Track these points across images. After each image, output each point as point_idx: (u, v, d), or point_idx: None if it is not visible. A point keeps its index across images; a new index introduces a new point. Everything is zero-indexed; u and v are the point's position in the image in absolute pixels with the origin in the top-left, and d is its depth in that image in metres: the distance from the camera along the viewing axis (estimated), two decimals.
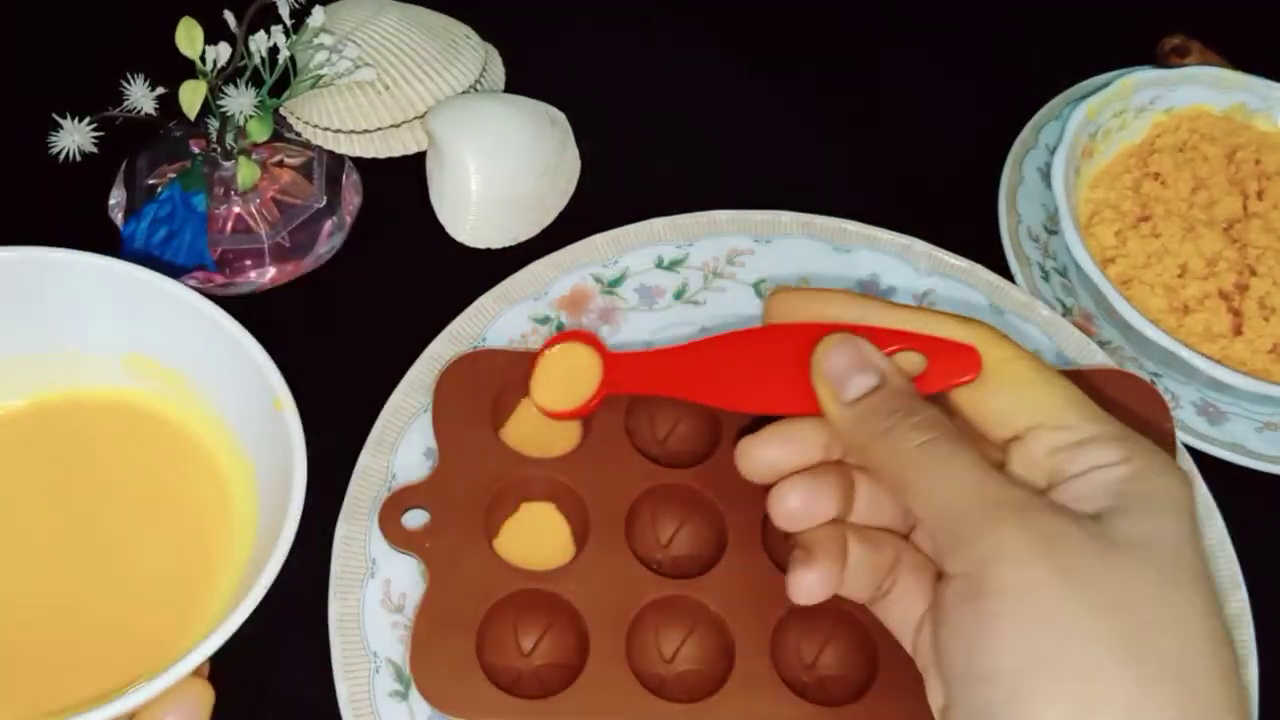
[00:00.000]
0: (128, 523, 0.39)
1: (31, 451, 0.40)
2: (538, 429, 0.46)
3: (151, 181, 0.53)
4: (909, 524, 0.39)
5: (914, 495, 0.35)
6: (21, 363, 0.40)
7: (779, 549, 0.44)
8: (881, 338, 0.37)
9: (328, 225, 0.54)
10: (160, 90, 0.50)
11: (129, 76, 0.49)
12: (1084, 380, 0.47)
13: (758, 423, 0.40)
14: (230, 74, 0.49)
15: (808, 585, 0.36)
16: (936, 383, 0.37)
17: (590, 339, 0.46)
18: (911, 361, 0.37)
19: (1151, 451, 0.34)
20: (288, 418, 0.37)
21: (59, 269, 0.38)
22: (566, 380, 0.45)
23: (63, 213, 0.55)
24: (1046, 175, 0.58)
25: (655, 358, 0.44)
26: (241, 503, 0.39)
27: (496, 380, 0.47)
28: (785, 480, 0.38)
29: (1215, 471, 0.49)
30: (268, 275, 0.53)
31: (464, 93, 0.57)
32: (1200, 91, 0.58)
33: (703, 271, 0.53)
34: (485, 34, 0.61)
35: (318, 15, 0.51)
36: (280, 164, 0.55)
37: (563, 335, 0.46)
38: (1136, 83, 0.57)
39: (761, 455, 0.38)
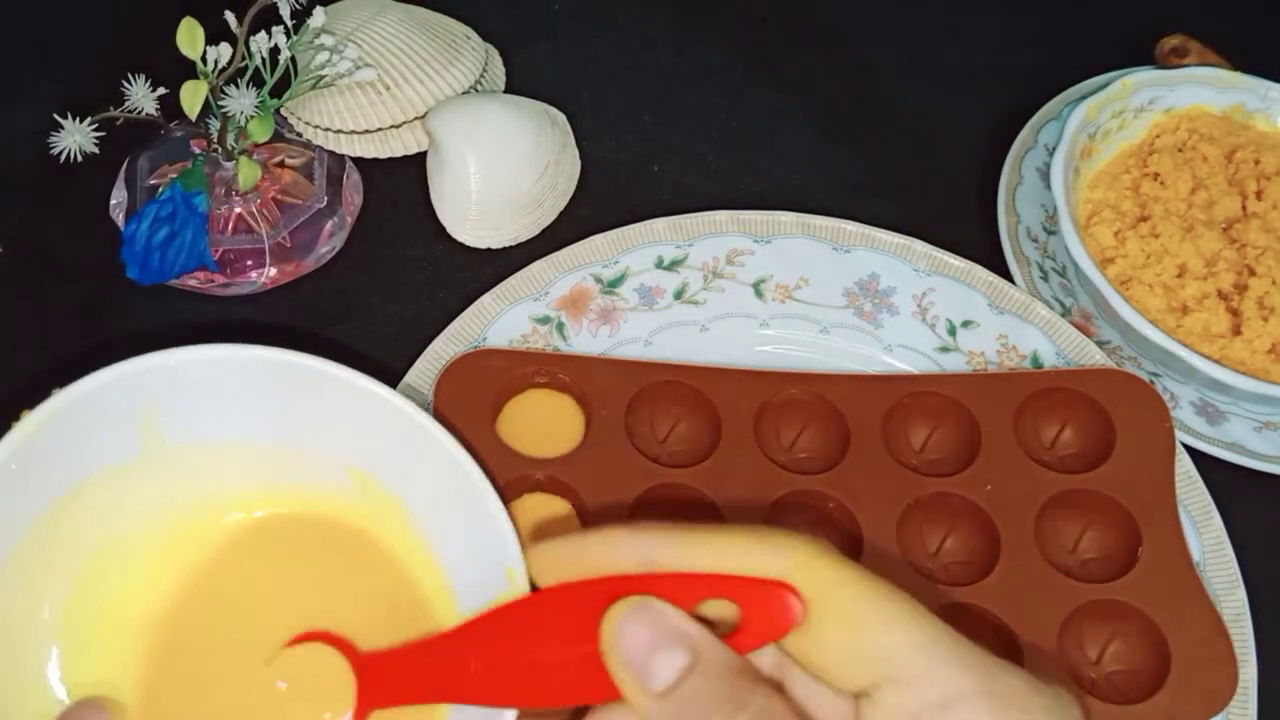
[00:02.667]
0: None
1: (260, 566, 0.39)
2: (534, 425, 0.46)
3: (153, 182, 0.53)
4: None
5: None
6: (263, 457, 0.39)
7: None
8: (680, 588, 0.29)
9: (328, 225, 0.54)
10: (161, 91, 0.50)
11: (130, 77, 0.49)
12: (1084, 380, 0.48)
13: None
14: (231, 74, 0.49)
15: None
16: (755, 638, 0.29)
17: (332, 640, 0.36)
18: (723, 611, 0.29)
19: (1032, 695, 0.27)
20: (518, 589, 0.34)
21: (319, 379, 0.37)
22: (303, 694, 0.36)
23: (64, 213, 0.55)
24: (1046, 175, 0.58)
25: (414, 653, 0.35)
26: None
27: (497, 380, 0.47)
28: None
29: (1214, 471, 0.49)
30: (268, 275, 0.53)
31: (464, 93, 0.57)
32: (1199, 92, 0.58)
33: (703, 271, 0.53)
34: (485, 34, 0.61)
35: (318, 16, 0.51)
36: (281, 164, 0.55)
37: (299, 638, 0.36)
38: (1136, 83, 0.57)
39: None
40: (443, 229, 0.55)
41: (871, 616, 0.28)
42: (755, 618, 0.29)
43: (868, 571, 0.29)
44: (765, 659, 0.30)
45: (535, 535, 0.37)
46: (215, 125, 0.51)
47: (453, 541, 0.38)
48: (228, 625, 0.38)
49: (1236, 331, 0.52)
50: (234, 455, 0.38)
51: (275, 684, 0.36)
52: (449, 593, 0.37)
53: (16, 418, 0.34)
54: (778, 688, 0.30)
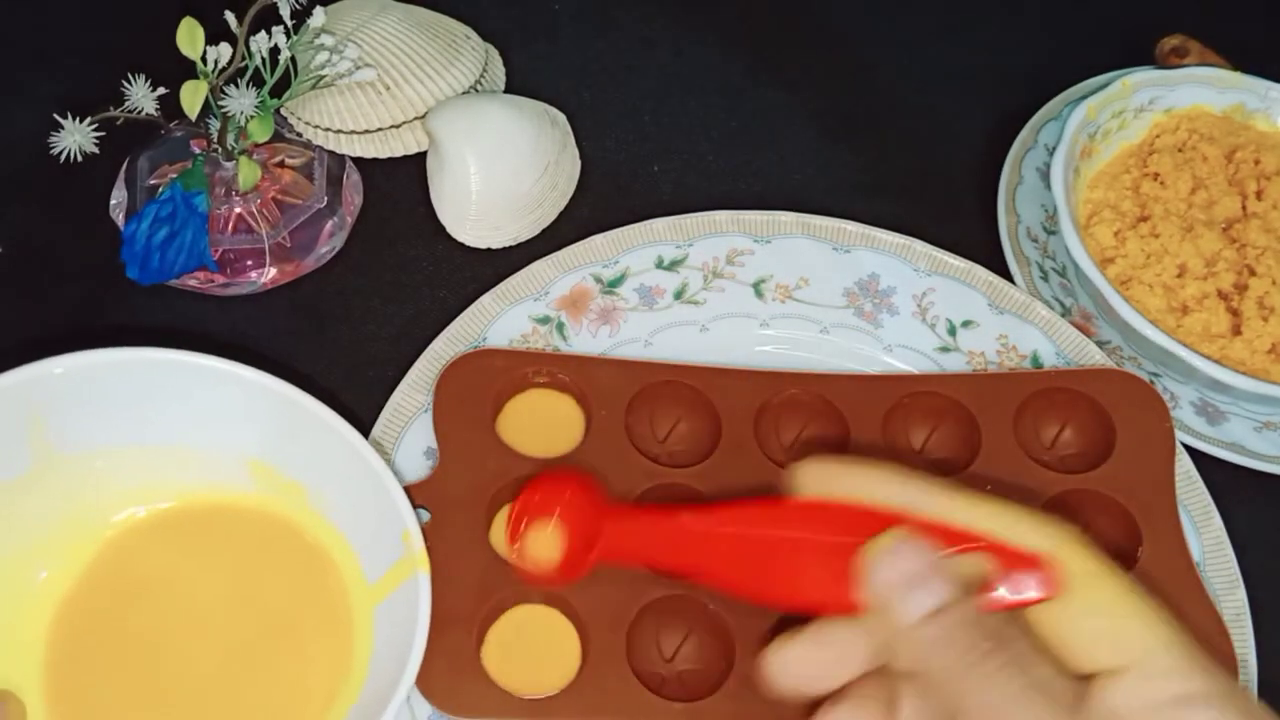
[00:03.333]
0: (260, 624, 0.39)
1: (177, 551, 0.40)
2: (534, 425, 0.46)
3: (153, 182, 0.53)
4: None
5: None
6: (159, 455, 0.40)
7: None
8: (939, 535, 0.31)
9: (328, 225, 0.54)
10: (161, 90, 0.50)
11: (130, 77, 0.49)
12: (1084, 381, 0.48)
13: (783, 620, 0.34)
14: (231, 74, 0.49)
15: None
16: (1008, 599, 0.31)
17: (587, 488, 0.38)
18: (975, 567, 0.31)
19: (1260, 706, 0.30)
20: (414, 549, 0.37)
21: (193, 372, 0.38)
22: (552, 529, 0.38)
23: (64, 213, 0.55)
24: (1046, 175, 0.58)
25: (662, 523, 0.37)
26: (360, 617, 0.39)
27: (497, 380, 0.47)
28: (827, 709, 0.32)
29: (1214, 471, 0.49)
30: (268, 275, 0.53)
31: (464, 93, 0.57)
32: (1199, 92, 0.58)
33: (703, 271, 0.53)
34: (485, 34, 0.61)
35: (318, 16, 0.51)
36: (281, 164, 0.55)
37: (550, 481, 0.38)
38: (1136, 83, 0.57)
39: (796, 670, 0.33)
40: (443, 229, 0.55)
41: (1128, 609, 0.30)
42: (1012, 580, 0.30)
43: (1125, 574, 0.31)
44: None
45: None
46: (215, 125, 0.51)
47: (353, 516, 0.39)
48: (136, 612, 0.38)
49: (1236, 331, 0.52)
50: (130, 459, 0.39)
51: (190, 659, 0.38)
52: (357, 564, 0.39)
53: None
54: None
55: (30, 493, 0.38)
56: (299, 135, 0.56)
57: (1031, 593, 0.30)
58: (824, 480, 0.34)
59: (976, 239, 0.56)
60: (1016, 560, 0.31)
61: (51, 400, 0.37)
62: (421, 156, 0.57)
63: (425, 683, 0.40)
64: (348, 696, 0.37)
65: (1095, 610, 0.30)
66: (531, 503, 0.38)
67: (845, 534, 0.31)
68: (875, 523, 0.31)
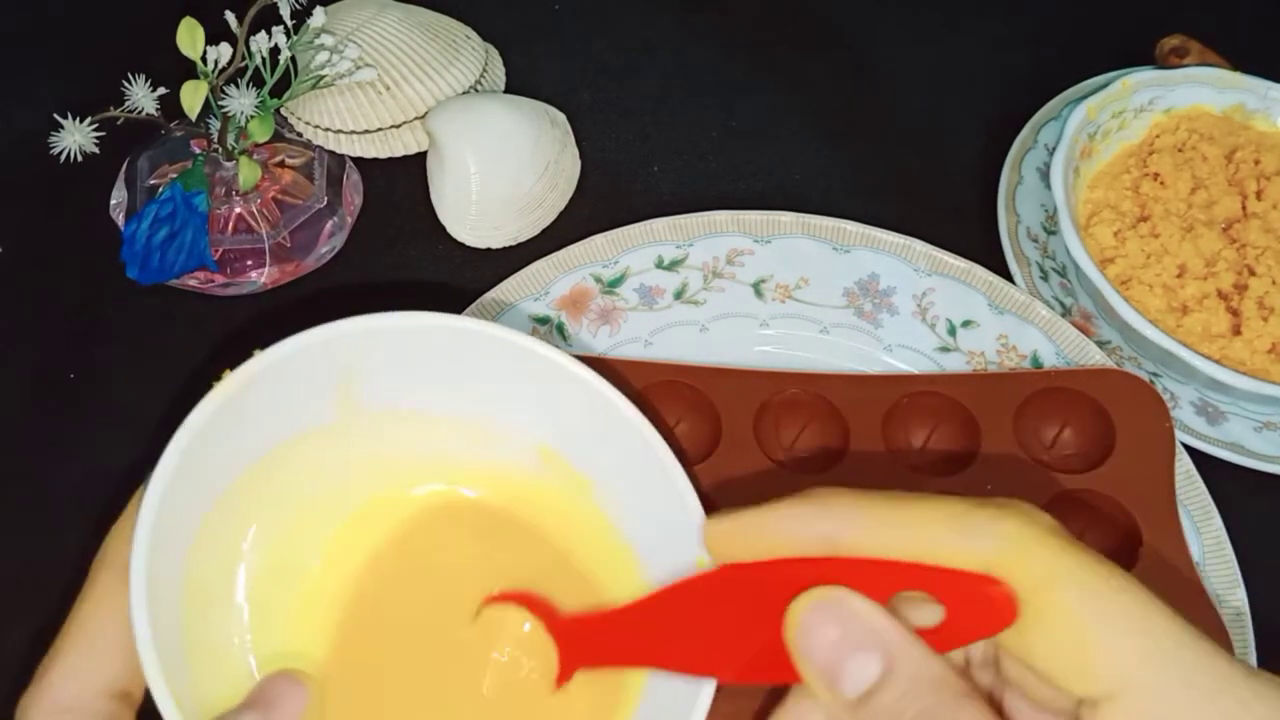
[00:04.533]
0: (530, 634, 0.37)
1: (464, 535, 0.38)
2: None
3: (153, 182, 0.53)
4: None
5: None
6: (456, 429, 0.38)
7: None
8: (873, 574, 0.26)
9: (328, 225, 0.54)
10: (161, 90, 0.50)
11: (130, 77, 0.49)
12: (1084, 380, 0.48)
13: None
14: (231, 74, 0.49)
15: None
16: (958, 636, 0.26)
17: (530, 600, 0.36)
18: (917, 603, 0.26)
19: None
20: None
21: (499, 346, 0.36)
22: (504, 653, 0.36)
23: (64, 213, 0.55)
24: (1046, 175, 0.58)
25: (613, 618, 0.34)
26: None
27: None
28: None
29: (1214, 471, 0.49)
30: (269, 275, 0.53)
31: (464, 93, 0.57)
32: (1199, 92, 0.58)
33: (703, 271, 0.53)
34: (485, 34, 0.61)
35: (318, 16, 0.51)
36: (281, 164, 0.55)
37: (497, 597, 0.36)
38: (1136, 83, 0.57)
39: None
40: (443, 229, 0.55)
41: (1096, 618, 0.24)
42: (958, 614, 0.25)
43: (1095, 555, 0.25)
44: (976, 647, 0.28)
45: None
46: (215, 125, 0.51)
47: (642, 526, 0.37)
48: (417, 599, 0.37)
49: (1236, 331, 0.52)
50: (427, 426, 0.38)
51: (470, 652, 0.36)
52: (639, 574, 0.36)
53: (217, 378, 0.33)
54: (986, 691, 0.27)
55: (330, 448, 0.36)
56: (299, 135, 0.56)
57: (980, 627, 0.25)
58: (732, 542, 0.29)
59: (976, 239, 0.56)
60: (958, 587, 0.25)
61: (364, 356, 0.36)
62: (421, 156, 0.57)
63: None
64: (625, 707, 0.35)
65: (1061, 626, 0.24)
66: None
67: (774, 599, 0.27)
68: (798, 578, 0.27)
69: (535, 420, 0.38)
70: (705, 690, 0.31)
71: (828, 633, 0.26)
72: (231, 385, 0.33)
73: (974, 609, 0.25)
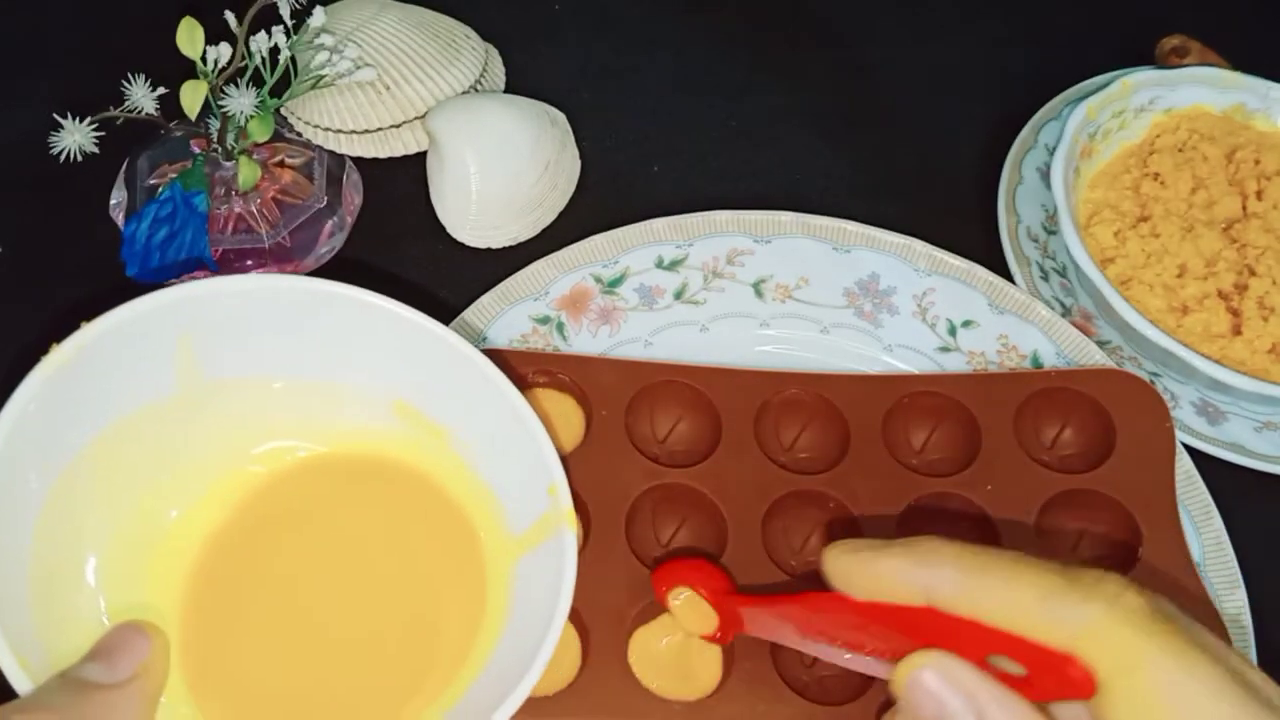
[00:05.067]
0: (394, 572, 0.39)
1: (316, 489, 0.39)
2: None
3: (152, 181, 0.53)
4: None
5: None
6: (304, 392, 0.39)
7: (776, 547, 0.44)
8: (971, 636, 0.29)
9: (328, 225, 0.54)
10: (161, 90, 0.50)
11: (130, 77, 0.49)
12: (1084, 380, 0.48)
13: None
14: (231, 74, 0.49)
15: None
16: (1042, 696, 0.29)
17: (708, 580, 0.40)
18: (1006, 666, 0.29)
19: None
20: (561, 505, 0.36)
21: (344, 304, 0.37)
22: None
23: (64, 213, 0.55)
24: (1046, 175, 0.58)
25: (757, 602, 0.38)
26: (499, 568, 0.38)
27: None
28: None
29: (1214, 471, 0.49)
30: (268, 275, 0.53)
31: (464, 93, 0.57)
32: (1200, 92, 0.58)
33: (703, 271, 0.53)
34: (485, 34, 0.61)
35: (318, 16, 0.51)
36: (281, 164, 0.55)
37: (674, 574, 0.40)
38: (1136, 83, 0.57)
39: None
40: (443, 229, 0.55)
41: (1167, 706, 0.26)
42: (1041, 681, 0.28)
43: (1183, 635, 0.26)
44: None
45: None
46: (215, 125, 0.51)
47: (498, 465, 0.38)
48: (281, 547, 0.38)
49: (1237, 331, 0.52)
50: (275, 391, 0.38)
51: (337, 592, 0.37)
52: (498, 514, 0.38)
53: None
54: None
55: (175, 419, 0.37)
56: (299, 135, 0.56)
57: (1062, 694, 0.28)
58: (847, 571, 0.32)
59: (976, 239, 0.56)
60: (1042, 659, 0.28)
61: (202, 322, 0.36)
62: (421, 156, 0.57)
63: None
64: (483, 646, 0.37)
65: (1133, 709, 0.26)
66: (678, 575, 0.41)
67: (888, 639, 0.31)
68: (918, 627, 0.30)
69: (386, 376, 0.38)
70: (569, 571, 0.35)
71: (939, 690, 0.29)
72: (59, 357, 0.33)
73: (1055, 681, 0.27)
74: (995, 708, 0.28)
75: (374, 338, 0.38)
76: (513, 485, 0.38)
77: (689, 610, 0.40)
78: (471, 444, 0.39)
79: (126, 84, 0.49)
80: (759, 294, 0.53)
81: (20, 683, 0.30)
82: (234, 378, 0.38)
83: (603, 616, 0.42)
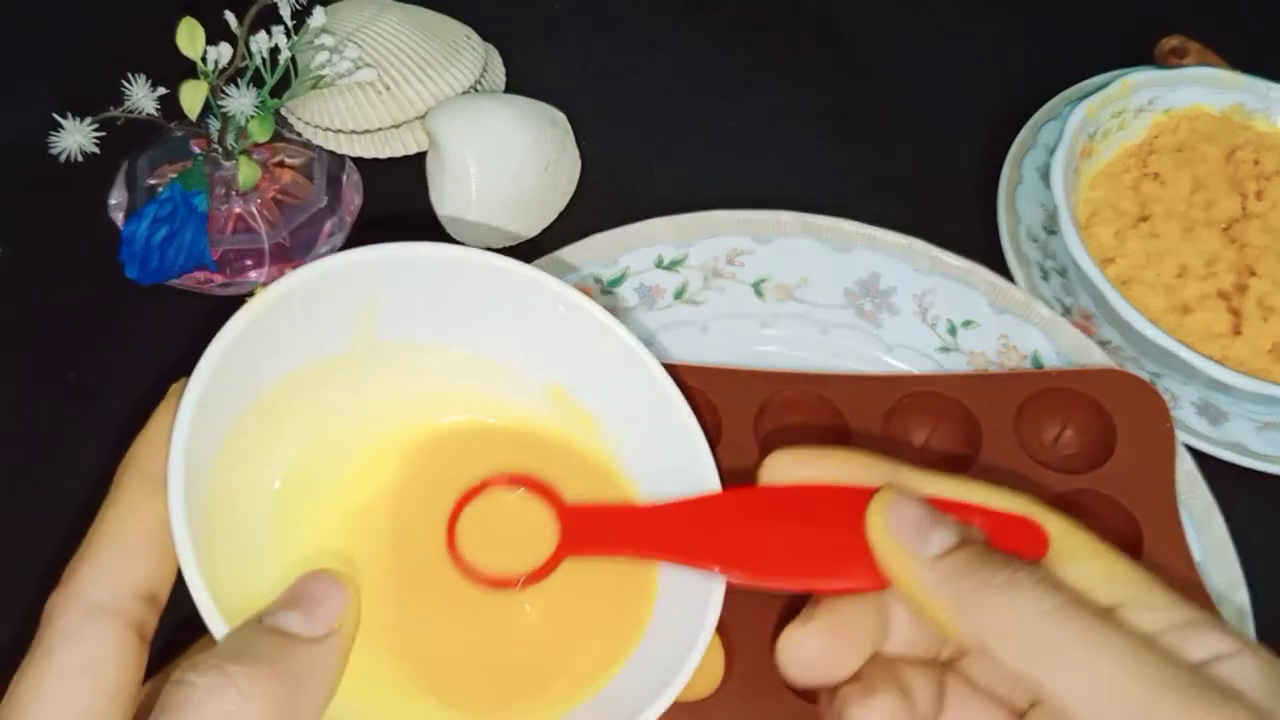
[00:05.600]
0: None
1: (462, 468, 0.38)
2: None
3: (152, 181, 0.53)
4: (946, 651, 0.33)
5: (1059, 673, 0.28)
6: (464, 363, 0.39)
7: None
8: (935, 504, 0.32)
9: (328, 225, 0.54)
10: (161, 90, 0.50)
11: (130, 77, 0.49)
12: (1084, 381, 0.48)
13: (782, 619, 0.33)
14: (231, 74, 0.49)
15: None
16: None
17: (536, 485, 0.37)
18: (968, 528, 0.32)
19: (1250, 641, 0.29)
20: None
21: (515, 282, 0.37)
22: (500, 535, 0.37)
23: (64, 213, 0.55)
24: (1046, 175, 0.58)
25: (627, 513, 0.36)
26: (641, 570, 0.37)
27: None
28: (864, 701, 0.31)
29: (1215, 471, 0.49)
30: (268, 275, 0.53)
31: (464, 93, 0.57)
32: (1199, 92, 0.58)
33: (703, 271, 0.53)
34: (485, 34, 0.61)
35: (318, 16, 0.51)
36: (281, 164, 0.55)
37: (503, 478, 0.37)
38: (1136, 83, 0.57)
39: (812, 658, 0.32)
40: (443, 229, 0.55)
41: (1108, 553, 0.31)
42: (1001, 543, 0.31)
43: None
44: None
45: None
46: (215, 125, 0.51)
47: (649, 465, 0.38)
48: (436, 521, 0.37)
49: (1237, 331, 0.52)
50: (437, 361, 0.38)
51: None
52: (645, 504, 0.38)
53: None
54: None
55: (344, 377, 0.37)
56: (299, 135, 0.56)
57: (1024, 553, 0.31)
58: (794, 469, 0.34)
59: (976, 239, 0.56)
60: (1003, 524, 0.31)
61: (389, 283, 0.36)
62: (421, 156, 0.57)
63: None
64: (628, 644, 0.36)
65: (1082, 557, 0.31)
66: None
67: (840, 508, 0.32)
68: (862, 498, 0.32)
69: (547, 359, 0.38)
70: (717, 588, 0.33)
71: (913, 510, 0.31)
72: (267, 298, 0.33)
73: (1012, 541, 0.31)
74: (976, 534, 0.31)
75: (541, 318, 0.38)
76: (663, 486, 0.37)
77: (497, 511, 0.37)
78: (622, 438, 0.38)
79: (126, 84, 0.49)
80: (759, 294, 0.53)
81: (216, 625, 0.29)
82: (403, 343, 0.38)
83: None
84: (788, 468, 0.34)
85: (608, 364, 0.38)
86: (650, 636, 0.36)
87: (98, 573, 0.29)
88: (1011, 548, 0.30)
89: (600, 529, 0.36)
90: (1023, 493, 0.32)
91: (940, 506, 0.31)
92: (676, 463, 0.37)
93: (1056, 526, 0.31)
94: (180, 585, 0.29)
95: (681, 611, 0.35)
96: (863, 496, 0.32)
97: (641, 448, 0.38)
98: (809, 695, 0.41)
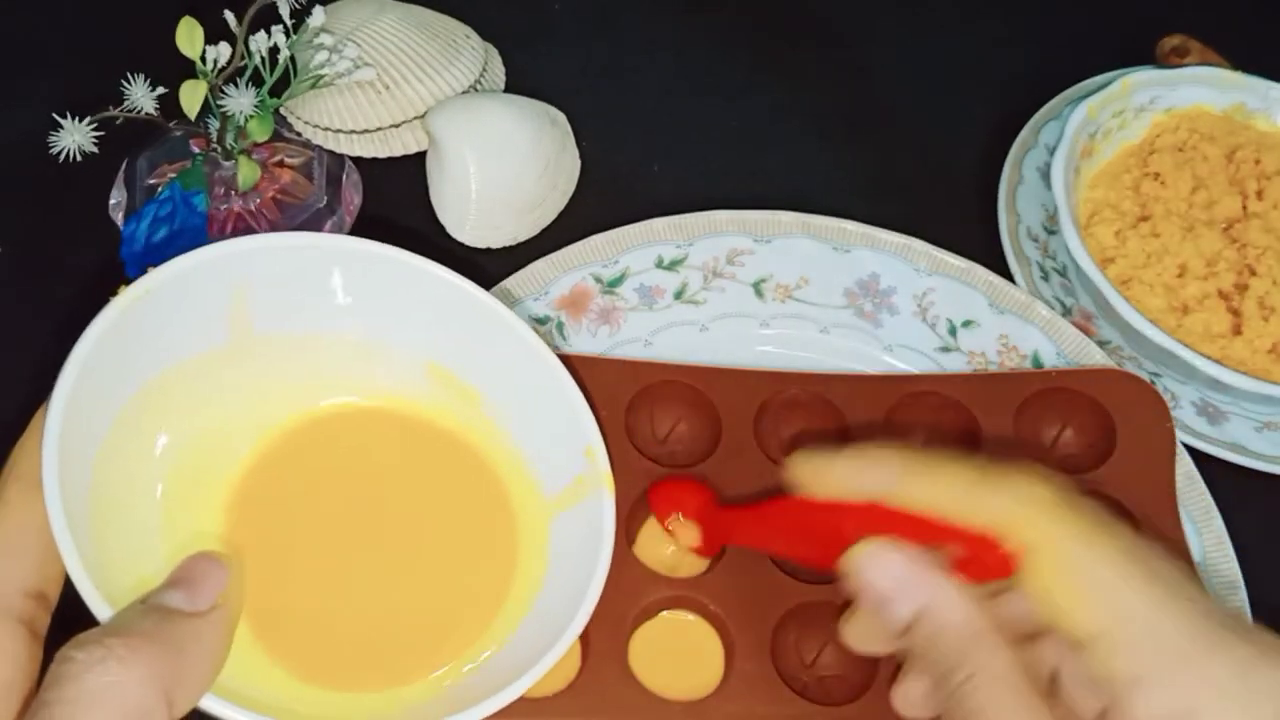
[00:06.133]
0: (426, 528, 0.39)
1: (347, 446, 0.40)
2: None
3: (152, 181, 0.53)
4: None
5: None
6: (344, 349, 0.40)
7: None
8: (913, 528, 0.33)
9: (328, 225, 0.54)
10: (161, 90, 0.50)
11: (129, 76, 0.49)
12: (1084, 380, 0.48)
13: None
14: (230, 74, 0.49)
15: (913, 699, 0.35)
16: (976, 576, 0.33)
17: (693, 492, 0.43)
18: (946, 554, 0.33)
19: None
20: (599, 466, 0.38)
21: (385, 265, 0.39)
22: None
23: (64, 213, 0.55)
24: (1046, 175, 0.58)
25: (744, 516, 0.42)
26: (532, 529, 0.39)
27: None
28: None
29: (1215, 471, 0.49)
30: None
31: (464, 93, 0.57)
32: (1200, 91, 0.58)
33: (702, 271, 0.53)
34: (485, 34, 0.61)
35: (318, 15, 0.51)
36: (280, 164, 0.55)
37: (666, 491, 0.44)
38: (1136, 83, 0.57)
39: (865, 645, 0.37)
40: (442, 229, 0.55)
41: (1071, 577, 0.30)
42: (975, 562, 0.32)
43: (1087, 519, 0.31)
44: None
45: None
46: (215, 125, 0.51)
47: (531, 427, 0.39)
48: (314, 502, 0.39)
49: (1237, 331, 0.52)
50: (315, 348, 0.39)
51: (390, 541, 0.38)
52: (531, 475, 0.40)
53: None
54: (1026, 634, 0.32)
55: (225, 368, 0.38)
56: (298, 135, 0.56)
57: (987, 574, 0.32)
58: (809, 469, 0.36)
59: (976, 239, 0.56)
60: (973, 544, 0.32)
61: (254, 276, 0.37)
62: (421, 156, 0.57)
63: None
64: (517, 606, 0.38)
65: (1051, 583, 0.31)
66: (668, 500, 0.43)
67: (841, 530, 0.34)
68: (865, 522, 0.34)
69: (420, 338, 0.39)
70: (605, 545, 0.37)
71: (877, 577, 0.33)
72: (130, 296, 0.34)
73: (985, 561, 0.31)
74: (942, 595, 0.32)
75: (410, 298, 0.39)
76: (546, 447, 0.39)
77: (682, 529, 0.43)
78: (504, 406, 0.40)
79: (126, 84, 0.49)
80: (759, 294, 0.53)
81: (99, 608, 0.30)
82: (280, 332, 0.39)
83: (602, 616, 0.41)
84: (810, 471, 0.36)
85: (483, 337, 0.39)
86: (536, 609, 0.37)
87: None
88: (982, 566, 0.32)
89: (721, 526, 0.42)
90: (1031, 478, 0.32)
91: (917, 531, 0.33)
92: (560, 428, 0.38)
93: (1039, 536, 0.31)
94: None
95: (569, 568, 0.37)
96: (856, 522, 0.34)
97: (524, 416, 0.39)
98: (809, 694, 0.41)
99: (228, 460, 0.38)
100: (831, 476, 0.35)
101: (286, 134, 0.55)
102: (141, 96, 0.49)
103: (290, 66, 0.51)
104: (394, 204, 0.56)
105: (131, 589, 0.32)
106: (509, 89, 0.60)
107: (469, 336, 0.39)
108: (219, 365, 0.38)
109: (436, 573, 0.38)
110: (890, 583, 0.32)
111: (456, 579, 0.38)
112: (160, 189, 0.52)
